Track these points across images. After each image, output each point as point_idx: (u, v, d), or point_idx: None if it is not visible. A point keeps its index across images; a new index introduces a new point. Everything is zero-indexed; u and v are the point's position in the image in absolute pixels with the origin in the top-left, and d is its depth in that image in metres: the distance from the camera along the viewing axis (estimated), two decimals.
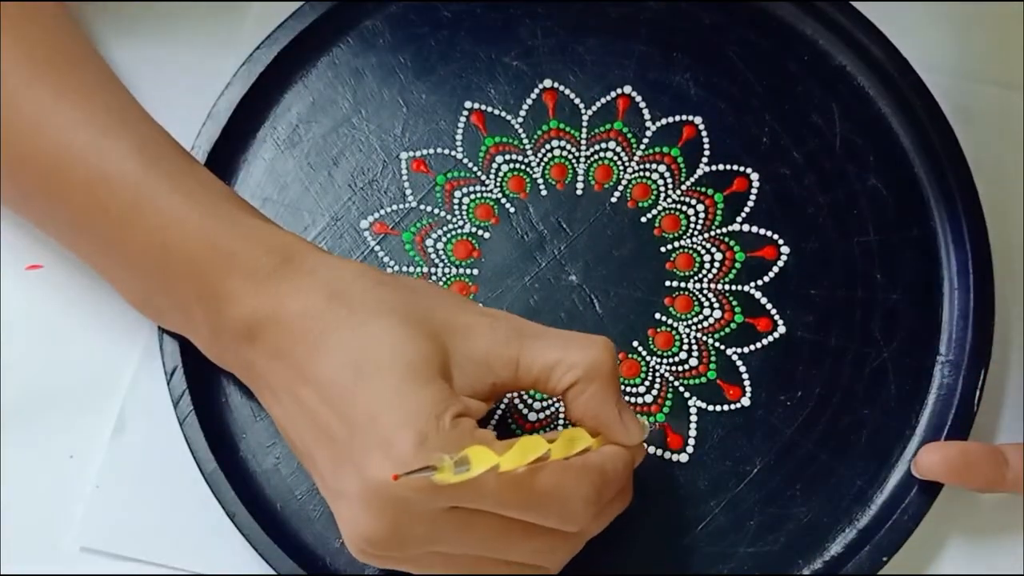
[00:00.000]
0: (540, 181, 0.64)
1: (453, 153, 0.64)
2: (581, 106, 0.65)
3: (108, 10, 0.65)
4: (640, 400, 0.61)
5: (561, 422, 0.61)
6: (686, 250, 0.63)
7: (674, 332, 0.62)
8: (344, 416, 0.50)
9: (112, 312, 0.61)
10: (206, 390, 0.60)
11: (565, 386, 0.53)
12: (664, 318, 0.62)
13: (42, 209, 0.59)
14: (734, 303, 0.63)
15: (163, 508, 0.60)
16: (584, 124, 0.65)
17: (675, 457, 0.61)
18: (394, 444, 0.49)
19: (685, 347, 0.62)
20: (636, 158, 0.65)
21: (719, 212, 0.64)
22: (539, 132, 0.65)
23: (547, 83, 0.65)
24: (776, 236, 0.63)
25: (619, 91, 0.65)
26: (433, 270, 0.63)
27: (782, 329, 0.62)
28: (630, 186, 0.64)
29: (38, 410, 0.61)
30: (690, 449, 0.61)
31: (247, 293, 0.54)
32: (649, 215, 0.64)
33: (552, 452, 0.50)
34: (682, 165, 0.64)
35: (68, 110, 0.56)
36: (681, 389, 0.61)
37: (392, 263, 0.63)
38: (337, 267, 0.54)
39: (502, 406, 0.61)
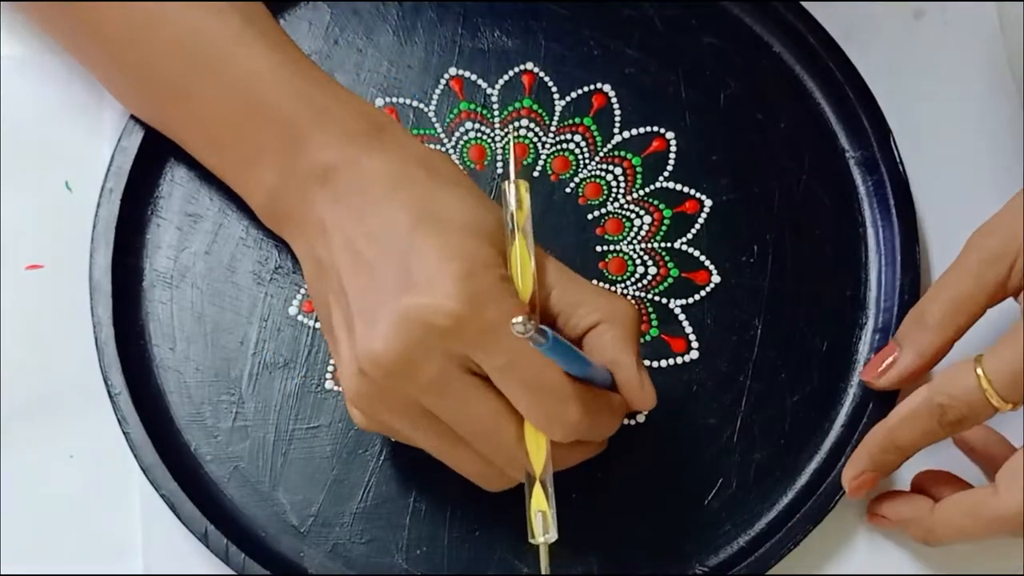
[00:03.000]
0: (459, 166, 0.64)
1: None
2: (485, 86, 0.65)
3: None
4: None
5: None
6: (613, 215, 0.64)
7: None
8: (393, 250, 0.51)
9: None
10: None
11: (585, 326, 0.54)
12: (600, 283, 0.63)
13: (120, 57, 0.59)
14: (667, 259, 0.63)
15: None
16: (494, 103, 0.65)
17: (631, 420, 0.61)
18: (439, 273, 0.50)
19: None
20: (551, 132, 0.65)
21: (638, 174, 0.64)
22: (451, 116, 0.65)
23: (452, 71, 0.65)
24: (694, 191, 0.64)
25: (522, 67, 0.66)
26: None
27: (717, 279, 0.63)
28: (549, 160, 0.65)
29: (38, 410, 0.61)
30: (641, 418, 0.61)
31: (333, 142, 0.55)
32: (571, 185, 0.64)
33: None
34: (596, 134, 0.65)
35: None
36: None
37: None
38: (426, 147, 0.56)
39: None
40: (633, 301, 0.62)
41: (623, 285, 0.63)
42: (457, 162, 0.64)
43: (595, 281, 0.63)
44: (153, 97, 0.59)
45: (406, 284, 0.50)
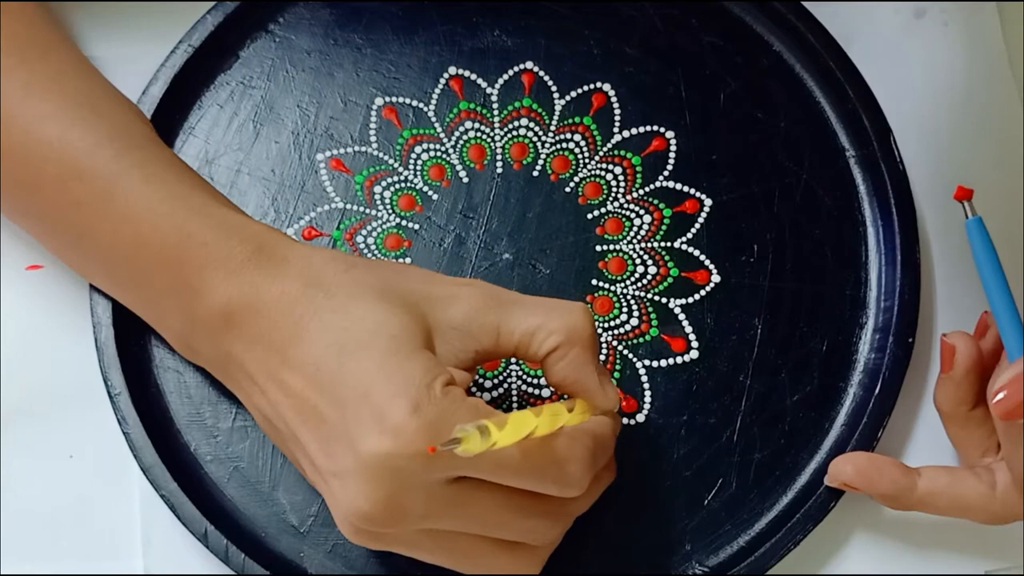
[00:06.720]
0: (459, 166, 0.64)
1: (368, 150, 0.64)
2: (485, 86, 0.65)
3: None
4: None
5: (514, 400, 0.61)
6: (613, 214, 0.64)
7: (612, 295, 0.63)
8: (333, 396, 0.50)
9: None
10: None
11: (546, 351, 0.54)
12: (600, 283, 0.63)
13: (14, 204, 0.58)
14: (667, 258, 0.63)
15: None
16: (494, 103, 0.65)
17: (631, 420, 0.61)
18: (388, 415, 0.49)
19: (625, 309, 0.62)
20: (551, 131, 0.65)
21: (638, 174, 0.64)
22: (451, 115, 0.65)
23: (452, 70, 0.65)
24: (694, 190, 0.64)
25: (522, 67, 0.66)
26: None
27: (717, 278, 0.63)
28: (549, 159, 0.65)
29: (38, 410, 0.61)
30: (646, 409, 0.61)
31: (221, 282, 0.53)
32: (571, 185, 0.64)
33: (539, 427, 0.50)
34: (596, 133, 0.65)
35: (37, 103, 0.56)
36: (627, 353, 0.62)
37: None
38: (309, 255, 0.55)
39: None
40: (632, 301, 0.62)
41: (623, 284, 0.63)
42: (456, 163, 0.64)
43: (595, 281, 0.63)
44: (56, 240, 0.59)
45: (360, 429, 0.49)
